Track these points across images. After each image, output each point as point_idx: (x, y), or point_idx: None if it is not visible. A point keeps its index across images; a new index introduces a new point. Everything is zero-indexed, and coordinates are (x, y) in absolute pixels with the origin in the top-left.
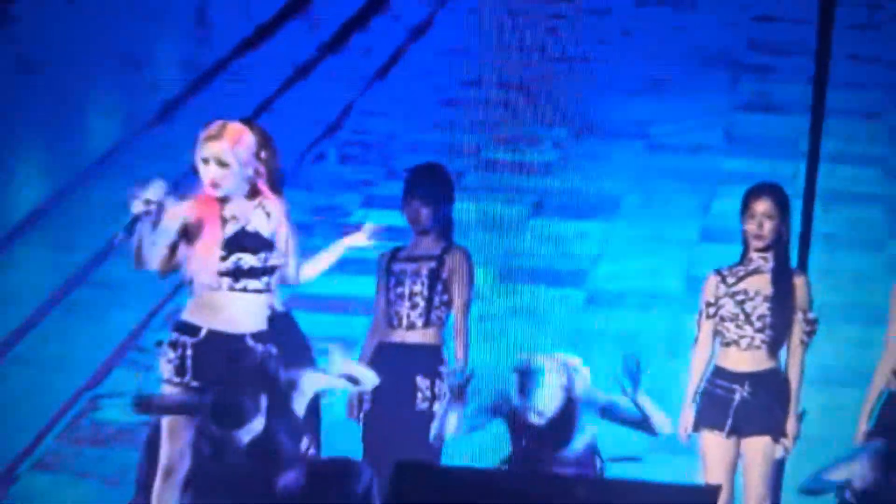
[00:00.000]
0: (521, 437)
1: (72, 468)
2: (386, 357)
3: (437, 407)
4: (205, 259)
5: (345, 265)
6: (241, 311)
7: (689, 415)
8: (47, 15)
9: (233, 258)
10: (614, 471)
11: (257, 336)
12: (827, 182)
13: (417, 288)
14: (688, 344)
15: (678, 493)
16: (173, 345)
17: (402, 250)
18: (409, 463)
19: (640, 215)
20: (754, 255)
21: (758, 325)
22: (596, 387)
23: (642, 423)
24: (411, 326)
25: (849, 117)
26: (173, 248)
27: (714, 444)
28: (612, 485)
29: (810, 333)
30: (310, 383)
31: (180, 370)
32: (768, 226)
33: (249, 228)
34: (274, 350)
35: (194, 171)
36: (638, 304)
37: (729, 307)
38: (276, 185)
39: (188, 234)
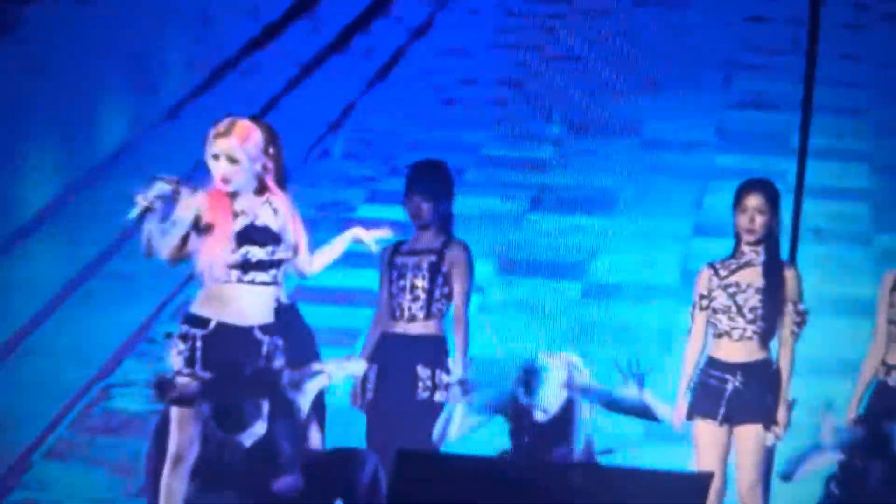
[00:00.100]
0: (522, 434)
1: (84, 456)
2: (388, 348)
3: (438, 396)
4: (217, 252)
5: (349, 258)
6: (250, 304)
7: (682, 404)
8: (59, 16)
9: (242, 251)
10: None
11: (264, 328)
12: (816, 177)
13: (419, 281)
14: (682, 336)
15: (672, 479)
16: (183, 337)
17: (404, 244)
18: (410, 451)
19: (636, 210)
20: (746, 248)
21: (749, 316)
22: (595, 378)
23: (646, 413)
24: (413, 318)
25: (837, 114)
26: (185, 239)
27: (707, 432)
28: (608, 471)
29: (801, 324)
30: (313, 385)
31: (190, 362)
32: (759, 220)
33: (258, 223)
34: (280, 342)
35: (204, 167)
36: (633, 297)
37: (721, 299)
38: (282, 182)
39: (200, 226)
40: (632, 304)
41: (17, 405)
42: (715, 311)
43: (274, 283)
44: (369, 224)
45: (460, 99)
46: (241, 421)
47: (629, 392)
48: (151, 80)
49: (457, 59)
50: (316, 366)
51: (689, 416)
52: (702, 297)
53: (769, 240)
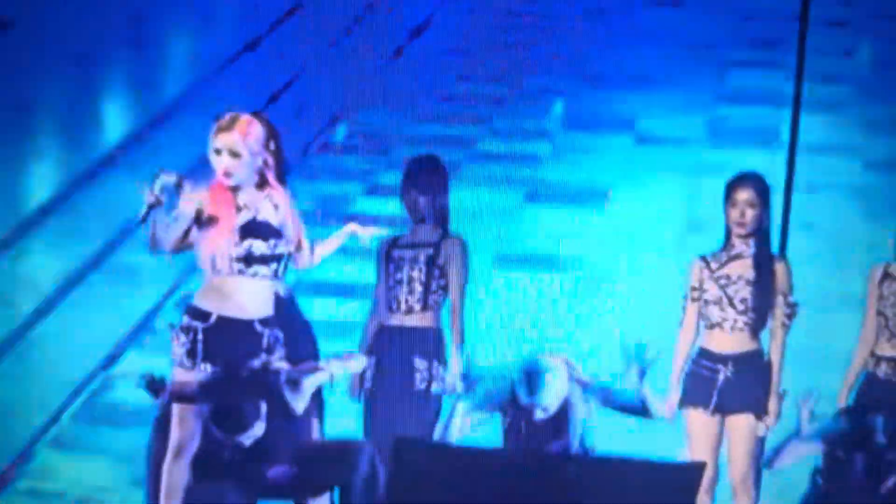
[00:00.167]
0: (519, 430)
1: (87, 446)
2: (386, 339)
3: (434, 387)
4: (221, 245)
5: (347, 252)
6: (250, 297)
7: (674, 394)
8: (62, 9)
9: (245, 245)
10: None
11: (265, 321)
12: (805, 172)
13: (415, 273)
14: (675, 328)
15: (665, 469)
16: (185, 329)
17: (402, 238)
18: (407, 439)
19: (629, 205)
20: (737, 241)
21: (740, 308)
22: (587, 371)
23: (641, 409)
24: (409, 310)
25: (827, 110)
26: (186, 232)
27: (699, 422)
28: (602, 461)
29: (791, 316)
30: (311, 383)
31: (191, 354)
32: (750, 213)
33: (260, 218)
34: (280, 335)
35: (206, 162)
36: (627, 290)
37: (713, 291)
38: (282, 177)
39: (202, 220)
40: (625, 297)
41: (21, 395)
42: (706, 302)
43: (274, 276)
44: (368, 218)
45: (457, 95)
46: (241, 423)
47: (630, 378)
48: (154, 74)
49: (454, 57)
50: (316, 365)
51: (681, 406)
52: (693, 289)
53: (759, 233)
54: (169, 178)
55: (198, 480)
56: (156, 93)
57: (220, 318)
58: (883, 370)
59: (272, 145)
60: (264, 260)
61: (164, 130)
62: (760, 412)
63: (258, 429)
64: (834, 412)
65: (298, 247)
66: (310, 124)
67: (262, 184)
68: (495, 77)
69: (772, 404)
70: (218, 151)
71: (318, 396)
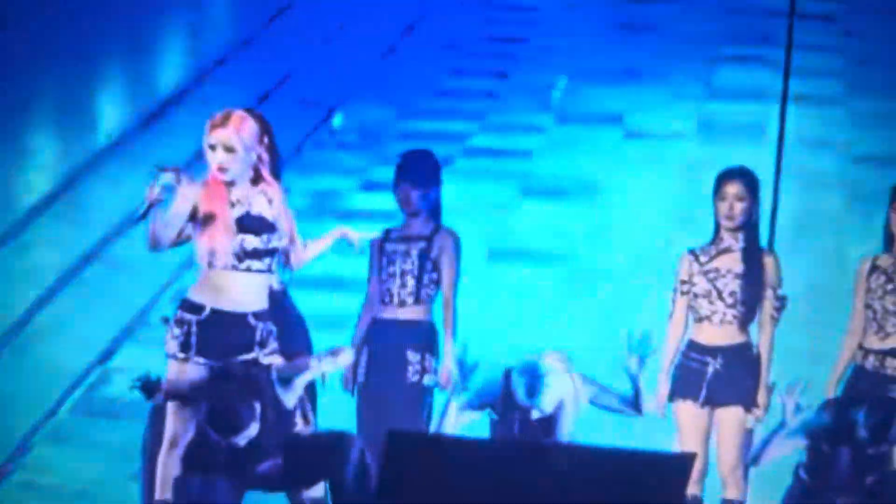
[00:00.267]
0: (511, 427)
1: (84, 440)
2: (379, 332)
3: (427, 379)
4: (221, 240)
5: (339, 245)
6: (244, 291)
7: (664, 387)
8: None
9: (238, 239)
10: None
11: (258, 315)
12: (794, 166)
13: (408, 267)
14: (664, 321)
15: (656, 460)
16: (179, 322)
17: (394, 231)
18: (400, 432)
19: (619, 199)
20: (725, 234)
21: (729, 301)
22: (578, 367)
23: (633, 405)
24: (402, 303)
25: (815, 105)
26: (182, 229)
27: (689, 414)
28: (592, 452)
29: (780, 309)
30: (302, 380)
31: (185, 346)
32: (739, 207)
33: (254, 212)
34: (273, 328)
35: (201, 158)
36: (617, 284)
37: (702, 284)
38: (276, 172)
39: (197, 216)
40: (616, 290)
41: (18, 389)
42: (696, 295)
43: (268, 270)
44: (362, 213)
45: (450, 90)
46: (237, 424)
47: (631, 365)
48: (151, 69)
49: (447, 53)
50: (306, 362)
51: (671, 399)
52: (682, 282)
53: (748, 226)
54: (169, 176)
55: (188, 472)
56: (151, 89)
57: (214, 311)
58: (871, 363)
59: (266, 141)
60: (258, 254)
61: (159, 126)
62: (749, 404)
63: (253, 429)
64: (819, 405)
65: (291, 241)
66: (304, 120)
67: (256, 179)
68: (488, 72)
69: (761, 397)
70: (212, 147)
71: (310, 389)
